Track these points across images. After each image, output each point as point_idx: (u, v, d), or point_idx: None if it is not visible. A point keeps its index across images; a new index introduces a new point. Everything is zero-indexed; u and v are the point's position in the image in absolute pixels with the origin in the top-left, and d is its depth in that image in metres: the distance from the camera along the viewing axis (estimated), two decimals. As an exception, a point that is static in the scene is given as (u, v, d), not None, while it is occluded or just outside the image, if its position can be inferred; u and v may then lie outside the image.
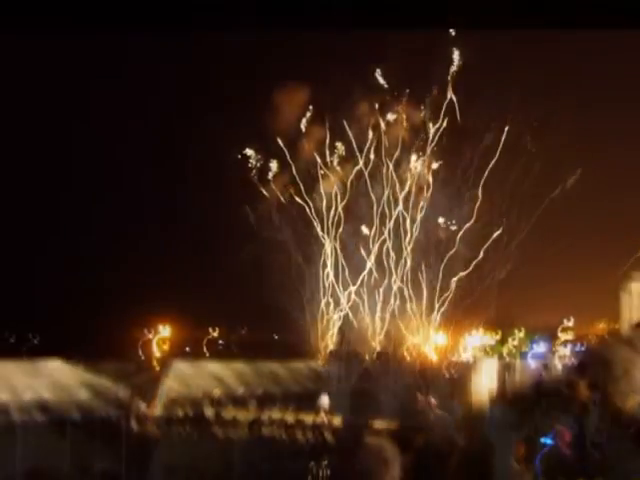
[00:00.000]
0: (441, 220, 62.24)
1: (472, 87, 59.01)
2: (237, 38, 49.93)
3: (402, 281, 63.35)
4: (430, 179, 62.58)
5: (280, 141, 61.70)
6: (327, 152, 62.52)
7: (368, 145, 62.80)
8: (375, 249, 63.23)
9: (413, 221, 62.64)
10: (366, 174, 62.69)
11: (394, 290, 63.45)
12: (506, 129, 58.15)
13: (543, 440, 6.71)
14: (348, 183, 62.79)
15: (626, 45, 48.67)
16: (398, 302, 63.64)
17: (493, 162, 58.97)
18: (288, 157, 62.10)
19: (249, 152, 62.21)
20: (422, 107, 62.13)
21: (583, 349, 53.41)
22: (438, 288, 62.76)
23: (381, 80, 61.46)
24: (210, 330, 68.77)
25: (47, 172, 62.24)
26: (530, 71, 54.22)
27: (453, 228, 61.62)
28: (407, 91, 61.24)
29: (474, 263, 60.62)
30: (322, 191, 62.93)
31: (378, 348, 63.69)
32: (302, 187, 62.38)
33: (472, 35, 51.84)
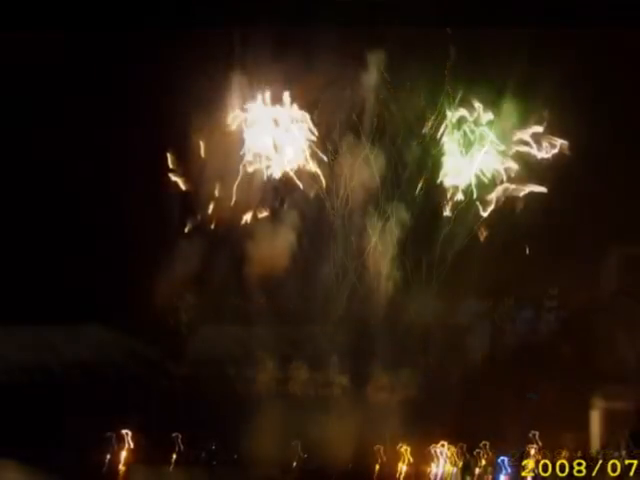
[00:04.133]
0: (439, 200, 62.36)
1: (467, 81, 58.85)
2: (251, 35, 49.74)
3: (404, 254, 63.33)
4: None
5: (295, 128, 61.86)
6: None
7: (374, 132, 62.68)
8: (380, 225, 63.20)
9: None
10: (372, 158, 62.60)
11: (397, 262, 63.42)
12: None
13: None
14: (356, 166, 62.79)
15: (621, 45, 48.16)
16: (401, 272, 63.64)
17: (485, 148, 58.91)
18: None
19: (265, 137, 62.33)
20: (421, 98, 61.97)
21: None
22: (436, 260, 62.76)
23: (385, 74, 61.28)
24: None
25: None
26: (522, 65, 53.78)
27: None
28: (408, 84, 61.00)
29: (468, 238, 60.62)
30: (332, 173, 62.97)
31: (382, 314, 63.72)
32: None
33: (468, 33, 51.67)
